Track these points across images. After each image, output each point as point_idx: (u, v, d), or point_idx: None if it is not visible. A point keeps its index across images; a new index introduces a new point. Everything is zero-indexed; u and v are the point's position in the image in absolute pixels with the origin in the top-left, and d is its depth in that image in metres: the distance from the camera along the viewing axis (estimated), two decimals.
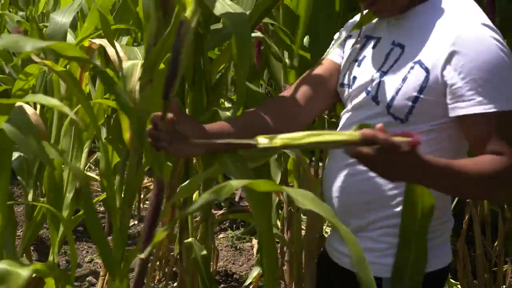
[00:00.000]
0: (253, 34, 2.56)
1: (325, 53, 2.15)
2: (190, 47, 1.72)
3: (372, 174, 1.69)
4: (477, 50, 1.78)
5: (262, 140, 1.50)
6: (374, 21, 2.07)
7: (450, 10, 1.89)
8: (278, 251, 3.33)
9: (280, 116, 2.01)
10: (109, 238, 3.09)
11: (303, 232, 3.08)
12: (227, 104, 2.90)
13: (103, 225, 4.52)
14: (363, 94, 1.95)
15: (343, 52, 2.12)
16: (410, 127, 1.85)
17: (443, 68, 1.80)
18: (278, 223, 3.38)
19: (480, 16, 1.87)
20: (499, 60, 1.78)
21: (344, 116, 2.05)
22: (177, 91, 2.35)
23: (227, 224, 5.26)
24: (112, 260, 1.88)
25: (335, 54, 2.13)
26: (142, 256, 1.52)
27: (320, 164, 3.18)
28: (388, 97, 1.87)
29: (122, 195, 1.87)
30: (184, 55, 1.64)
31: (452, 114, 1.82)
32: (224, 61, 2.46)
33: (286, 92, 2.10)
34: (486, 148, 1.80)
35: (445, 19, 1.87)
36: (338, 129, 2.06)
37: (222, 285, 4.33)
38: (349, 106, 2.03)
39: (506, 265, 3.75)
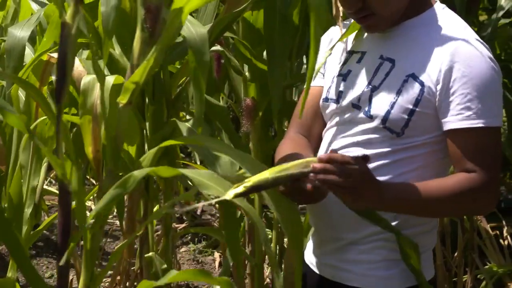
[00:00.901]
0: (213, 48, 2.57)
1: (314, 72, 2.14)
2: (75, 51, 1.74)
3: None
4: (472, 66, 1.82)
5: (234, 191, 1.54)
6: (353, 35, 2.05)
7: (441, 25, 1.91)
8: None
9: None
10: None
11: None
12: (188, 118, 2.90)
13: None
14: (354, 109, 1.95)
15: (324, 69, 2.11)
16: (405, 140, 1.88)
17: (438, 81, 1.84)
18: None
19: (472, 31, 1.91)
20: (491, 78, 1.83)
21: (331, 131, 2.02)
22: (138, 105, 2.37)
23: (189, 237, 5.24)
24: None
25: (319, 78, 2.12)
26: (61, 263, 1.51)
27: None
28: (383, 111, 1.88)
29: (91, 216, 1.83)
30: (70, 58, 1.65)
31: (446, 127, 1.85)
32: (184, 75, 2.46)
33: (292, 134, 2.12)
34: (463, 164, 1.84)
35: (439, 33, 1.89)
36: (325, 145, 2.03)
37: None
38: (335, 121, 2.01)
39: (466, 275, 3.79)
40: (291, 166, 1.67)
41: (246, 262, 3.21)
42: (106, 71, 2.22)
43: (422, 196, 1.81)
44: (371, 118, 1.90)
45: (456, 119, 1.82)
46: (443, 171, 1.95)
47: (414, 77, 1.86)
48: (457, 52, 1.83)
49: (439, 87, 1.83)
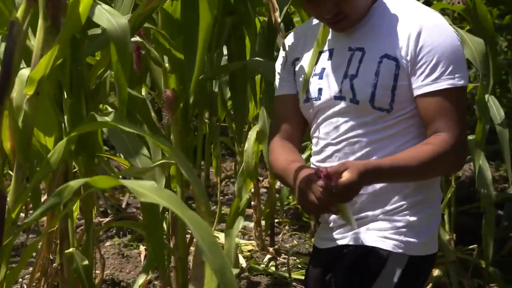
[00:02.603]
0: (132, 39, 2.53)
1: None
2: (22, 49, 1.68)
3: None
4: (440, 36, 2.02)
5: None
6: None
7: (398, 6, 2.09)
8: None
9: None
10: None
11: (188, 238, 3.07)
12: (109, 109, 2.85)
13: None
14: (338, 101, 2.10)
15: (294, 74, 2.23)
16: (396, 114, 2.05)
17: (407, 53, 2.01)
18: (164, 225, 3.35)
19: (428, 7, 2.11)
20: (456, 45, 2.03)
21: (323, 128, 2.15)
22: (55, 98, 2.31)
23: (114, 231, 5.19)
24: None
25: (289, 87, 2.25)
26: None
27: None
28: (368, 93, 2.03)
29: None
30: (17, 57, 1.60)
31: (415, 93, 2.03)
32: (102, 66, 2.41)
33: (279, 141, 2.24)
34: (433, 126, 2.01)
35: (401, 14, 2.07)
36: (323, 140, 2.16)
37: None
38: (321, 118, 2.15)
39: None
40: None
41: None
42: (22, 63, 2.17)
43: (410, 164, 1.97)
44: (357, 103, 2.05)
45: (422, 84, 2.00)
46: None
47: (388, 57, 2.02)
48: (427, 26, 2.02)
49: (409, 57, 2.01)
